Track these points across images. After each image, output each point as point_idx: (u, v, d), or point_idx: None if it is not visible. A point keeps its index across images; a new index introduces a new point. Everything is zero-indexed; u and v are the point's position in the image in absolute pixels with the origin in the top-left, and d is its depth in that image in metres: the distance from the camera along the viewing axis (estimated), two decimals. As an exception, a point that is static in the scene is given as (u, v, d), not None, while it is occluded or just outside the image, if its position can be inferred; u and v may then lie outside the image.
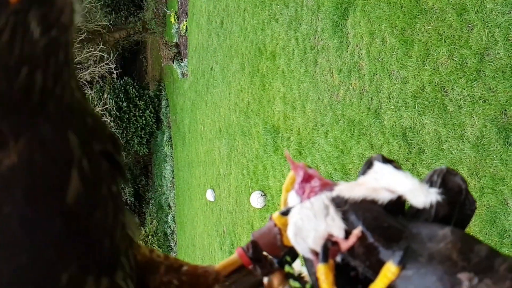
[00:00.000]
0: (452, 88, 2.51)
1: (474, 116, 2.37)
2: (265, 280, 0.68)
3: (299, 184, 0.61)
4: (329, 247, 0.53)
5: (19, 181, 0.35)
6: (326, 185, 0.58)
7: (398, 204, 0.54)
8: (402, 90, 2.84)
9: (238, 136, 5.67)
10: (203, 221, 7.65)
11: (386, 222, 0.50)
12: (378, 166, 0.55)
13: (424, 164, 2.58)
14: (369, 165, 0.58)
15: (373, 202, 0.54)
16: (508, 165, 2.22)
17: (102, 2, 11.07)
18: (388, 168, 0.54)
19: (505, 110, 2.24)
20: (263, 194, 4.86)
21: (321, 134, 3.68)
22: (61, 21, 0.36)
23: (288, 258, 0.67)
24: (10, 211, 0.35)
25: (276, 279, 0.67)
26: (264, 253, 0.69)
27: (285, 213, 0.61)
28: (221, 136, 6.41)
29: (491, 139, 2.27)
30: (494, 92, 2.29)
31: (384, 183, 0.53)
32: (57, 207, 0.37)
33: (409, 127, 2.74)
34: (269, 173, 4.72)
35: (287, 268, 0.66)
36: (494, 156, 2.26)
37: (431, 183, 0.52)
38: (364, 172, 0.57)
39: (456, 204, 0.51)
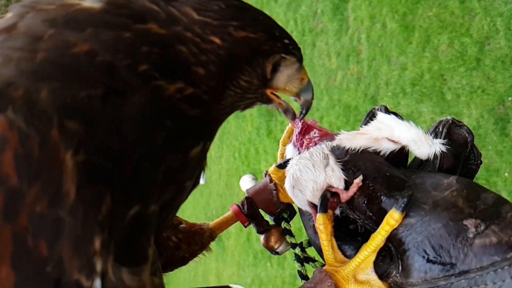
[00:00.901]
0: (451, 77, 2.50)
1: (472, 106, 2.36)
2: (262, 237, 0.66)
3: (297, 136, 0.59)
4: (329, 197, 0.51)
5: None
6: (326, 135, 0.56)
7: (401, 156, 0.52)
8: (400, 76, 2.83)
9: (231, 118, 5.62)
10: (192, 203, 7.65)
11: (389, 172, 0.48)
12: (381, 116, 0.53)
13: (418, 150, 2.58)
14: (371, 116, 0.56)
15: (375, 153, 0.52)
16: (503, 157, 2.22)
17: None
18: (391, 117, 0.52)
19: (503, 100, 2.24)
20: (254, 177, 4.85)
21: (316, 119, 3.65)
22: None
23: (285, 215, 0.65)
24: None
25: (273, 236, 0.65)
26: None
27: (282, 166, 0.59)
28: (215, 117, 6.36)
29: (488, 129, 2.27)
30: (493, 82, 2.28)
31: (386, 133, 0.52)
32: (182, 151, 0.46)
33: (406, 114, 2.73)
34: (261, 156, 4.70)
35: (283, 225, 0.64)
36: (490, 147, 2.26)
37: (435, 134, 0.51)
38: (366, 123, 0.56)
39: (461, 156, 0.50)
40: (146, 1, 0.42)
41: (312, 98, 0.58)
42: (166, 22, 0.42)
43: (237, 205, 0.66)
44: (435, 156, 0.50)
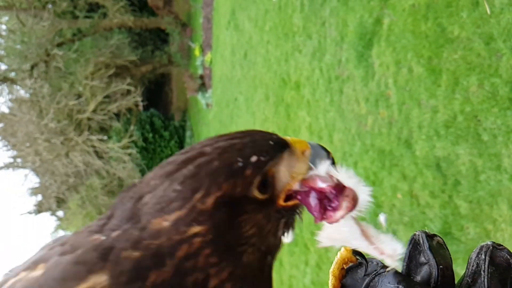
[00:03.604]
0: (485, 117, 2.47)
1: (510, 146, 2.31)
2: None
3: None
4: None
5: None
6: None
7: (447, 278, 0.54)
8: (432, 119, 2.82)
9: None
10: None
11: None
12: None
13: (461, 195, 2.51)
14: (414, 244, 0.57)
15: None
16: (550, 196, 2.15)
17: (130, 38, 11.55)
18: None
19: (543, 139, 2.19)
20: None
21: (350, 165, 3.65)
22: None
23: None
24: None
25: None
26: None
27: None
28: (247, 165, 6.42)
29: (530, 169, 2.21)
30: (529, 120, 2.25)
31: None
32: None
33: (443, 157, 2.70)
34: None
35: None
36: (535, 187, 2.19)
37: (478, 262, 0.52)
38: (409, 251, 0.57)
39: (507, 280, 0.51)
40: (125, 251, 0.39)
41: (329, 154, 0.50)
42: (159, 262, 0.38)
43: None
44: (483, 283, 0.52)
